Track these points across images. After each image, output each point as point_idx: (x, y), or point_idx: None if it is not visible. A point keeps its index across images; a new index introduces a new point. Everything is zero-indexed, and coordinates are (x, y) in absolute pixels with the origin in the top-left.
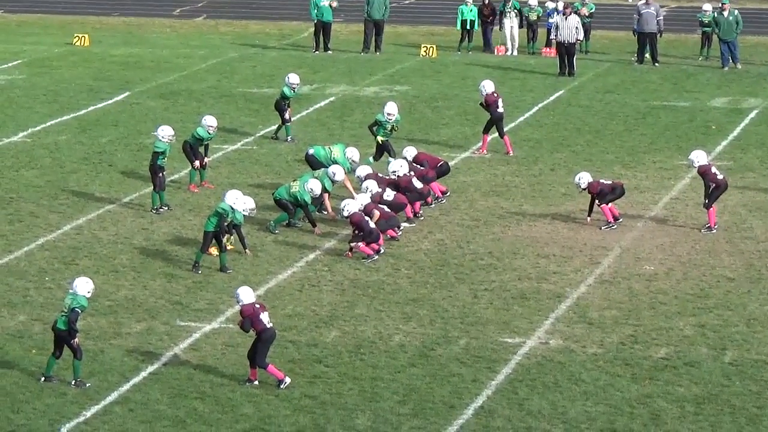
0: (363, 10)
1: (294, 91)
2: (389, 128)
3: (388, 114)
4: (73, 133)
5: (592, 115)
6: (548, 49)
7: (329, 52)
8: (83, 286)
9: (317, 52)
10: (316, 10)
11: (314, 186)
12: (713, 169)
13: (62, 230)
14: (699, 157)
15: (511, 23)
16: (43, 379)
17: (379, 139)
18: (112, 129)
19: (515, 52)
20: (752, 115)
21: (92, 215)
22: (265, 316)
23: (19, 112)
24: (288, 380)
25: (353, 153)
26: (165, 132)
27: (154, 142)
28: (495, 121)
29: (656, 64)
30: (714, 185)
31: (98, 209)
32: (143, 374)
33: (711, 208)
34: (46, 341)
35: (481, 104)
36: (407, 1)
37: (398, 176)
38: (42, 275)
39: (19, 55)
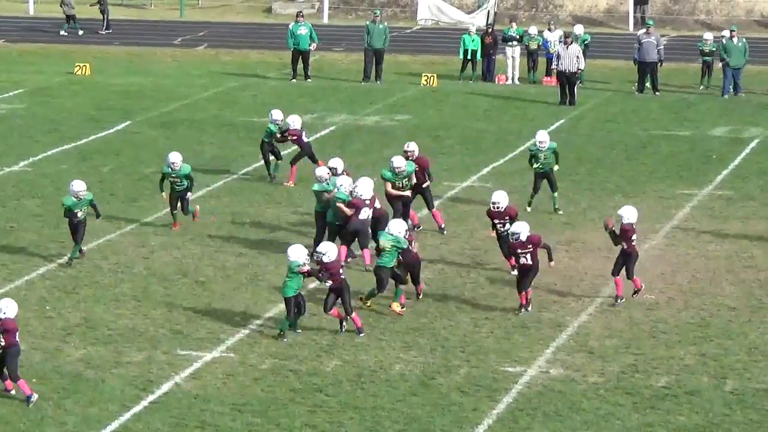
0: (363, 39)
1: (278, 126)
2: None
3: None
4: (74, 162)
5: (592, 144)
6: (549, 78)
7: (309, 80)
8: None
9: (294, 80)
10: (293, 39)
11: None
12: (634, 236)
13: (63, 259)
14: (628, 215)
15: (513, 53)
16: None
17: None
18: (113, 158)
19: (516, 81)
20: (753, 144)
21: (93, 244)
22: None
23: (20, 142)
24: (35, 396)
25: (323, 170)
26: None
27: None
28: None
29: (657, 93)
30: (626, 249)
31: (99, 238)
32: (144, 403)
33: (617, 277)
34: (46, 370)
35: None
36: (408, 30)
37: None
38: (42, 304)
39: (20, 85)
